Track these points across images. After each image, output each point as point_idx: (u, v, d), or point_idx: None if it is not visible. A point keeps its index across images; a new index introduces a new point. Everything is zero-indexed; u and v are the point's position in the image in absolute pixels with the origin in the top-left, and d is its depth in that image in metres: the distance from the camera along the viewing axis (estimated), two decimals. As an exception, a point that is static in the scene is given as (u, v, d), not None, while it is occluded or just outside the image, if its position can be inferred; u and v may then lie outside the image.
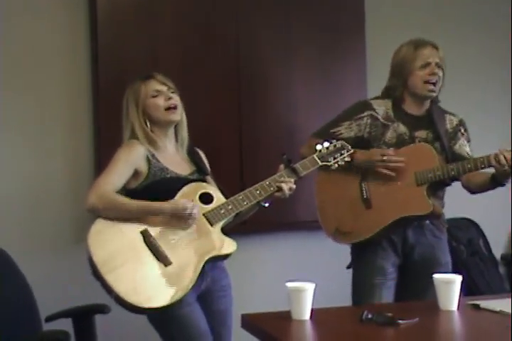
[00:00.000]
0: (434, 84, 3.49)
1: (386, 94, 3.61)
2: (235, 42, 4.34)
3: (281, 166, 3.21)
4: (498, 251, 5.02)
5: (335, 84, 4.54)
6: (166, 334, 3.14)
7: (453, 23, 4.94)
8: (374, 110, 3.55)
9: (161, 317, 3.08)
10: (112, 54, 4.11)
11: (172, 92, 3.24)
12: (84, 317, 3.56)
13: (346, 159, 3.30)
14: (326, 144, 3.28)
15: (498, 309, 2.77)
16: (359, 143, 3.51)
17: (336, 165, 3.28)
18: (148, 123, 3.20)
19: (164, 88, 3.23)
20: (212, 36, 4.29)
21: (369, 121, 3.53)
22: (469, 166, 3.36)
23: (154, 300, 2.98)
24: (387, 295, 3.47)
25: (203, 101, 4.20)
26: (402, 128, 3.53)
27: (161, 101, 3.20)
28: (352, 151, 3.31)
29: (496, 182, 3.37)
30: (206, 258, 3.08)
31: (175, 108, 3.21)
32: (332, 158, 3.27)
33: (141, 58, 4.13)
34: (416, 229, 3.51)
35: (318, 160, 3.25)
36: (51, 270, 4.04)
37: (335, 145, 3.29)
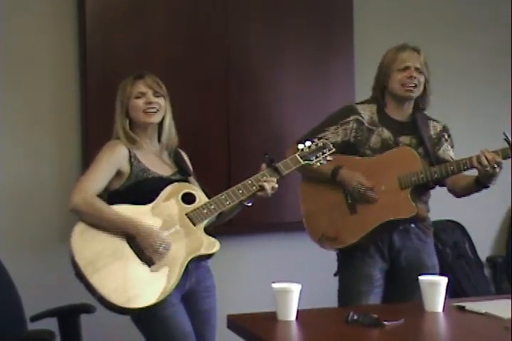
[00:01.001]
0: (413, 86, 3.49)
1: (373, 98, 3.63)
2: (225, 41, 4.33)
3: (263, 165, 3.20)
4: (483, 253, 5.03)
5: (323, 85, 4.54)
6: (150, 335, 3.13)
7: (442, 23, 4.94)
8: (359, 114, 3.55)
9: (145, 318, 3.08)
10: (101, 53, 4.09)
11: (157, 96, 3.23)
12: (69, 317, 3.56)
13: (328, 158, 3.29)
14: (308, 143, 3.27)
15: (483, 311, 2.78)
16: (345, 147, 3.52)
17: (318, 164, 3.28)
18: (127, 123, 3.21)
19: (149, 91, 3.21)
20: (201, 35, 4.27)
21: (355, 125, 3.53)
22: (452, 168, 3.37)
23: (137, 301, 2.98)
24: (374, 301, 3.47)
25: (191, 100, 4.19)
26: (386, 134, 3.53)
27: (140, 104, 3.20)
28: (334, 150, 3.30)
29: (480, 184, 3.37)
30: (189, 258, 3.08)
31: (154, 112, 3.21)
32: (314, 157, 3.26)
33: (130, 57, 4.11)
34: (401, 234, 3.51)
35: (300, 159, 3.24)
36: (37, 269, 4.03)
37: (317, 145, 3.28)
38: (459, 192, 3.54)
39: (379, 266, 3.51)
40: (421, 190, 3.50)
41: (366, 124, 3.53)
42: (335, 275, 3.61)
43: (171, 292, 3.02)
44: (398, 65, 3.50)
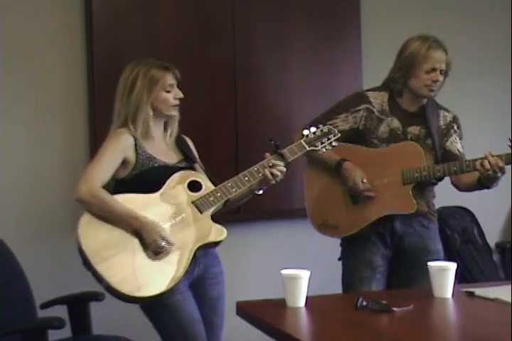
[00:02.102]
0: (435, 88, 3.48)
1: (386, 85, 3.58)
2: (231, 31, 4.32)
3: (267, 154, 3.19)
4: (492, 239, 5.03)
5: (330, 73, 4.53)
6: (158, 322, 3.14)
7: (451, 10, 4.92)
8: (370, 103, 3.53)
9: (153, 306, 3.08)
10: (108, 40, 4.09)
11: (178, 87, 3.23)
12: (79, 304, 3.58)
13: (334, 144, 3.27)
14: (313, 129, 3.26)
15: (493, 296, 2.77)
16: (353, 134, 3.51)
17: (324, 149, 3.27)
18: (151, 113, 3.19)
19: (175, 83, 3.21)
20: (207, 25, 4.27)
21: (365, 113, 3.52)
22: (455, 168, 3.38)
23: (145, 290, 2.98)
24: (376, 288, 3.49)
25: (198, 89, 4.19)
26: (395, 123, 3.52)
27: (171, 98, 3.19)
28: (339, 135, 3.29)
29: (481, 184, 3.41)
30: (197, 245, 3.09)
31: (178, 105, 3.22)
32: (319, 143, 3.25)
33: (138, 45, 4.12)
34: (404, 220, 3.51)
35: (305, 145, 3.23)
36: (46, 258, 4.04)
37: (322, 130, 3.27)
38: (462, 188, 3.57)
39: (381, 252, 3.52)
40: (423, 186, 3.50)
41: (376, 113, 3.52)
42: (339, 259, 3.63)
43: (179, 280, 3.03)
44: (428, 66, 3.43)
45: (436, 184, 3.57)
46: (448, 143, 3.57)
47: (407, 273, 3.50)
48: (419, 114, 3.55)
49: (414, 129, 3.53)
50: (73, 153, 4.13)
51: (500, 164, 3.26)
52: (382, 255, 3.53)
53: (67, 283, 3.78)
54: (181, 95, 3.21)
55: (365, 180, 3.45)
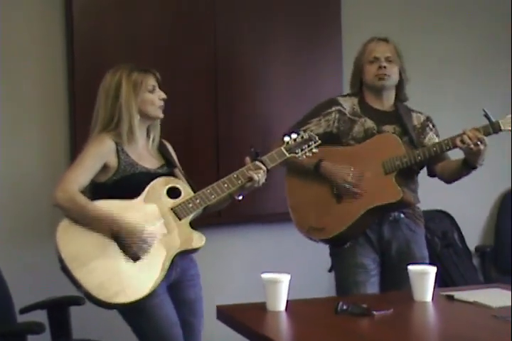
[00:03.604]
0: (384, 75, 3.50)
1: (352, 93, 3.65)
2: (213, 32, 4.32)
3: (247, 159, 3.19)
4: (472, 243, 5.05)
5: (311, 76, 4.53)
6: (136, 326, 3.13)
7: (431, 12, 4.93)
8: (341, 105, 3.57)
9: (131, 309, 3.07)
10: (89, 44, 4.07)
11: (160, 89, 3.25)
12: (59, 309, 3.56)
13: (314, 150, 3.28)
14: (294, 136, 3.26)
15: (472, 300, 2.79)
16: (328, 138, 3.51)
17: (304, 156, 3.27)
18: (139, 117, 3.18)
19: (156, 84, 3.22)
20: (189, 27, 4.25)
21: (337, 115, 3.55)
22: (435, 149, 3.38)
23: (122, 296, 2.98)
24: (371, 291, 3.46)
25: (179, 93, 4.17)
26: (369, 123, 3.53)
27: (156, 99, 3.19)
28: (319, 142, 3.29)
29: (468, 165, 3.36)
30: (175, 252, 3.08)
31: (162, 107, 3.23)
32: (299, 150, 3.25)
33: (119, 49, 4.09)
34: (391, 224, 3.51)
35: (285, 152, 3.23)
36: (25, 262, 4.02)
37: (302, 137, 3.27)
38: (449, 177, 3.54)
39: (371, 256, 3.50)
40: (407, 175, 3.50)
41: (348, 115, 3.54)
42: (329, 271, 3.61)
43: (156, 287, 3.02)
44: (368, 57, 3.53)
45: (418, 172, 3.56)
46: (426, 140, 3.57)
47: (393, 278, 3.48)
48: (392, 113, 3.57)
49: (388, 128, 3.54)
50: (54, 158, 4.11)
51: (479, 135, 3.24)
52: (373, 259, 3.51)
53: (47, 288, 3.76)
54: (164, 96, 3.22)
55: (351, 174, 3.44)
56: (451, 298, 2.87)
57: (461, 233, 5.00)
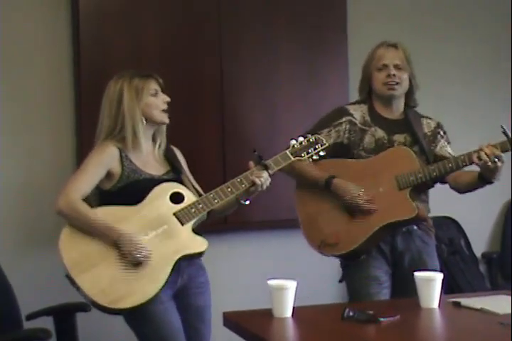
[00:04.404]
0: (394, 84, 3.44)
1: (361, 99, 3.60)
2: (218, 41, 4.32)
3: (251, 163, 3.19)
4: (478, 249, 5.04)
5: (316, 84, 4.52)
6: (140, 332, 3.14)
7: (439, 19, 4.95)
8: (351, 115, 3.51)
9: (135, 316, 3.08)
10: (94, 54, 4.08)
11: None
12: (65, 315, 3.56)
13: (321, 153, 3.25)
14: (301, 139, 3.24)
15: (479, 307, 2.78)
16: (339, 149, 3.47)
17: (310, 159, 3.25)
18: (144, 122, 3.19)
19: (160, 89, 3.23)
20: (194, 36, 4.26)
21: (348, 126, 3.49)
22: (450, 165, 3.31)
23: (124, 301, 2.99)
24: None
25: (185, 101, 4.18)
26: (380, 133, 3.48)
27: (159, 102, 3.20)
28: (327, 145, 3.26)
29: (483, 180, 3.29)
30: (176, 257, 3.08)
31: (167, 111, 3.22)
32: (305, 153, 3.23)
33: (125, 57, 4.10)
34: (404, 236, 3.46)
35: (290, 156, 3.21)
36: (32, 268, 4.02)
37: (308, 140, 3.25)
38: (462, 189, 3.47)
39: (384, 268, 3.45)
40: (420, 190, 3.44)
41: (359, 125, 3.49)
42: (340, 281, 3.55)
43: (158, 291, 3.03)
44: (376, 64, 3.46)
45: (432, 186, 3.51)
46: (437, 149, 3.52)
47: (404, 289, 3.33)
48: (402, 122, 3.52)
49: (399, 137, 3.49)
50: (59, 164, 4.11)
51: (497, 152, 3.17)
52: (386, 271, 3.45)
53: (53, 294, 3.76)
54: (168, 99, 3.23)
55: (362, 192, 3.38)
56: (457, 304, 2.86)
57: (467, 239, 5.00)
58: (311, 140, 3.26)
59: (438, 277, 2.82)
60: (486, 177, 3.28)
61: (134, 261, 3.02)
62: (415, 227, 3.48)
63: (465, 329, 2.63)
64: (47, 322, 3.46)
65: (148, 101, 3.18)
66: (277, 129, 4.39)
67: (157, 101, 3.20)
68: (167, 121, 3.23)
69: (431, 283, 2.81)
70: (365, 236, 3.37)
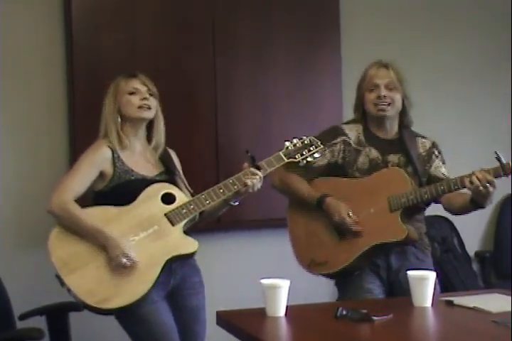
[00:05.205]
0: (385, 105, 3.40)
1: (355, 117, 3.56)
2: (212, 41, 4.33)
3: (245, 164, 3.19)
4: (471, 248, 5.05)
5: (311, 85, 4.54)
6: (132, 332, 3.14)
7: (439, 20, 4.97)
8: (346, 135, 3.47)
9: (126, 316, 3.09)
10: (88, 54, 4.09)
11: (150, 95, 3.23)
12: (58, 315, 3.56)
13: (316, 155, 3.24)
14: (295, 141, 3.23)
15: (471, 305, 2.78)
16: (333, 169, 3.45)
17: (304, 161, 3.24)
18: (119, 122, 3.19)
19: (143, 88, 3.22)
20: (188, 36, 4.27)
21: (342, 146, 3.45)
22: (442, 188, 3.28)
23: (112, 302, 3.00)
24: None
25: (179, 101, 4.19)
26: (374, 153, 3.45)
27: (135, 100, 3.20)
28: (322, 147, 3.26)
29: (475, 204, 3.28)
30: (166, 258, 3.08)
31: (148, 108, 3.21)
32: (299, 155, 3.22)
33: (118, 58, 4.11)
34: (399, 255, 3.42)
35: (283, 157, 3.20)
36: (24, 268, 4.02)
37: (303, 142, 3.23)
38: (455, 211, 3.46)
39: (377, 283, 3.40)
40: (412, 212, 3.41)
41: (353, 145, 3.45)
42: (337, 300, 3.50)
43: (147, 292, 3.03)
44: (367, 85, 3.42)
45: (424, 209, 3.50)
46: (432, 169, 3.48)
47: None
48: (397, 142, 3.48)
49: (393, 158, 3.45)
50: (53, 165, 4.11)
51: (489, 177, 3.15)
52: (379, 286, 3.40)
53: (46, 294, 3.75)
54: (146, 95, 3.21)
55: (351, 214, 3.34)
56: (450, 303, 2.86)
57: (460, 238, 5.01)
58: (305, 142, 3.24)
59: (431, 276, 2.83)
60: (478, 202, 3.26)
61: (119, 266, 3.02)
62: (409, 246, 3.44)
63: (458, 327, 2.63)
64: (40, 322, 3.46)
65: (123, 99, 3.20)
66: (271, 130, 4.40)
67: (133, 99, 3.20)
68: (144, 115, 3.21)
69: (424, 282, 2.82)
70: (353, 255, 3.35)
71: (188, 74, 4.28)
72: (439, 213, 4.84)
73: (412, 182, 3.37)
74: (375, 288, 3.39)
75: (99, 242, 3.03)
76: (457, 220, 4.97)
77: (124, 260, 3.00)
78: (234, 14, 4.40)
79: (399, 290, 3.35)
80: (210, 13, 4.33)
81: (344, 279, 3.44)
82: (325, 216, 3.40)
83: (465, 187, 3.23)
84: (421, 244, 3.48)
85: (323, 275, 3.49)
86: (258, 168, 3.17)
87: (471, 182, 3.17)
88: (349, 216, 3.34)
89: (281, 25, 4.49)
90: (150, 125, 3.28)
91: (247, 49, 4.43)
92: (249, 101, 4.43)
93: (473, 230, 5.09)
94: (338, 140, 3.47)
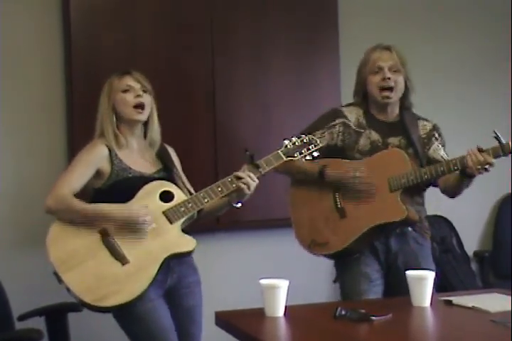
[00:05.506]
0: (389, 89, 3.42)
1: (355, 101, 3.57)
2: (210, 40, 4.33)
3: (245, 165, 3.18)
4: (470, 248, 5.05)
5: (309, 83, 4.54)
6: (130, 331, 3.14)
7: (439, 19, 4.97)
8: (345, 117, 3.49)
9: (124, 314, 3.09)
10: (86, 54, 4.08)
11: (144, 91, 3.22)
12: (57, 316, 3.56)
13: (315, 154, 3.24)
14: (294, 139, 3.23)
15: (470, 305, 2.78)
16: (332, 151, 3.46)
17: (303, 159, 3.23)
18: (114, 120, 3.19)
19: (137, 85, 3.21)
20: (187, 36, 4.27)
21: (341, 128, 3.47)
22: (442, 169, 3.29)
23: (109, 299, 2.99)
24: None
25: (178, 100, 4.19)
26: (374, 136, 3.46)
27: (130, 97, 3.19)
28: (320, 145, 3.25)
29: (465, 174, 3.25)
30: (164, 256, 3.08)
31: (142, 108, 3.20)
32: (298, 153, 3.21)
33: (116, 57, 4.10)
34: (399, 237, 3.44)
35: (282, 156, 3.20)
36: (23, 268, 4.01)
37: (302, 140, 3.23)
38: (451, 191, 3.46)
39: (375, 266, 3.43)
40: (412, 192, 3.42)
41: (353, 127, 3.47)
42: (334, 281, 3.55)
43: (144, 290, 3.02)
44: (371, 67, 3.43)
45: (424, 190, 3.51)
46: (431, 151, 3.50)
47: (399, 291, 3.25)
48: (398, 124, 3.50)
49: (394, 140, 3.47)
50: (52, 165, 4.11)
51: (489, 160, 3.15)
52: (377, 270, 3.43)
53: (45, 295, 3.75)
54: (140, 93, 3.20)
55: (358, 174, 3.36)
56: (449, 303, 2.86)
57: (459, 238, 5.01)
58: (304, 140, 3.24)
59: (430, 276, 2.83)
60: (467, 172, 3.24)
61: (134, 227, 3.02)
62: (410, 229, 3.46)
63: (457, 327, 2.63)
64: (39, 323, 3.46)
65: (117, 97, 3.20)
66: (270, 130, 4.40)
67: (127, 98, 3.19)
68: (138, 118, 3.20)
69: (423, 281, 2.82)
70: (354, 236, 3.37)
71: (188, 74, 4.28)
72: (438, 213, 4.89)
73: (411, 162, 3.38)
74: (372, 273, 3.42)
75: (100, 221, 3.03)
76: (456, 220, 4.98)
77: (147, 218, 3.01)
78: (233, 14, 4.41)
79: (395, 274, 3.38)
80: (209, 13, 4.34)
81: (343, 260, 3.46)
82: (327, 196, 3.43)
83: (464, 169, 3.23)
84: (421, 227, 3.50)
85: (324, 255, 3.50)
86: (257, 167, 3.16)
87: (471, 163, 3.17)
88: (356, 174, 3.36)
89: (280, 25, 4.49)
90: (146, 122, 3.27)
91: (246, 49, 4.44)
92: (249, 101, 4.43)
93: (472, 230, 5.10)
94: (337, 122, 3.49)
